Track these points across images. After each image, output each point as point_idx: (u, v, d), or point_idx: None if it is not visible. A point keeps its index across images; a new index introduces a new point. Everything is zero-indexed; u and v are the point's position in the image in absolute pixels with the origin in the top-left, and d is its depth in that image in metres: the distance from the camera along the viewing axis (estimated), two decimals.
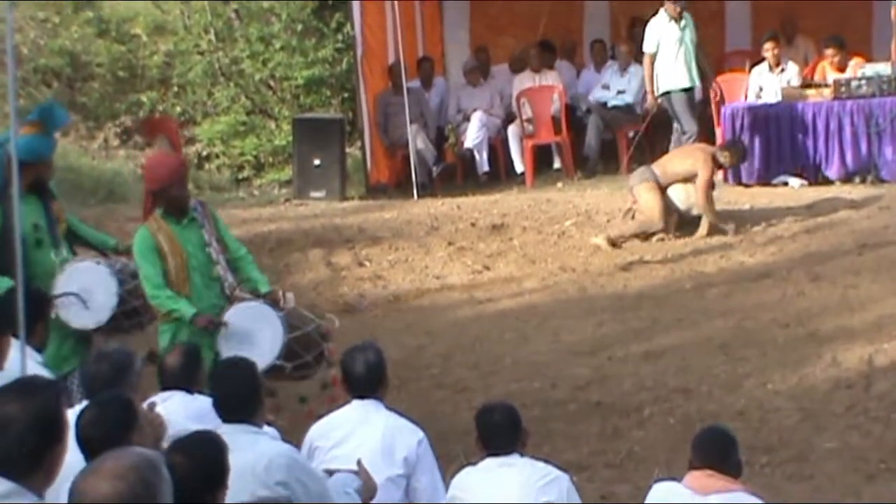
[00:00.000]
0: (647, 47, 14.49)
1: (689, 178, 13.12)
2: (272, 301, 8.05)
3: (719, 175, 14.79)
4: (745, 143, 14.16)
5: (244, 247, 8.49)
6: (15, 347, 5.94)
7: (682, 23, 14.28)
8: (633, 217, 13.37)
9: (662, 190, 13.11)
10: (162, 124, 8.61)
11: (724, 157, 13.36)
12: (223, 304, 8.01)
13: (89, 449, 4.71)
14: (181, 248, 7.96)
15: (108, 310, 7.99)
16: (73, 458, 4.21)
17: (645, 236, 13.17)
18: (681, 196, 13.18)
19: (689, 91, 14.52)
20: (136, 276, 8.11)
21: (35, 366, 6.02)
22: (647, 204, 13.13)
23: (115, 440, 4.68)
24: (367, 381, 6.48)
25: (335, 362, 7.76)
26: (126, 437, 4.87)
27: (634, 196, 13.26)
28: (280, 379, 8.11)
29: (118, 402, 5.10)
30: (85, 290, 7.93)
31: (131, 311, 8.12)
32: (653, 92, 14.58)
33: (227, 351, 7.66)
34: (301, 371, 8.06)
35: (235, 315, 7.90)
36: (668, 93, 14.45)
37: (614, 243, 13.04)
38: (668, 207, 13.14)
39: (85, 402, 5.68)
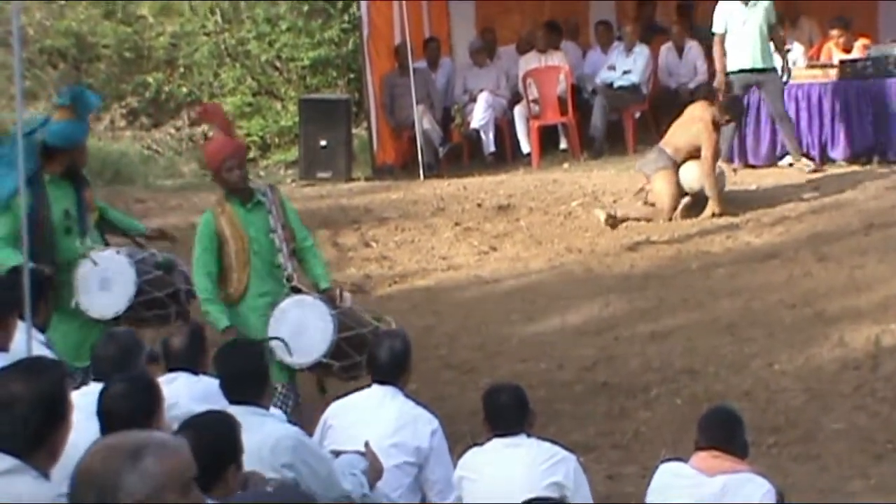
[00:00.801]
0: (716, 27, 14.35)
1: (698, 152, 13.09)
2: (329, 298, 7.96)
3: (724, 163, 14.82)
4: (741, 99, 14.11)
5: (312, 238, 8.38)
6: (20, 329, 5.97)
7: (751, 3, 14.14)
8: (645, 199, 13.35)
9: (678, 168, 13.09)
10: (208, 111, 8.59)
11: (723, 118, 13.32)
12: (284, 292, 7.90)
13: (110, 425, 4.75)
14: (243, 232, 7.86)
15: (125, 299, 7.93)
16: (85, 437, 4.22)
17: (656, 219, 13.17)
18: (695, 174, 13.10)
19: (747, 72, 14.19)
20: (162, 266, 8.10)
21: (39, 346, 6.05)
22: (661, 193, 13.11)
23: (139, 420, 4.73)
24: (389, 368, 6.52)
25: None
26: (150, 417, 4.93)
27: (650, 181, 13.24)
28: (328, 376, 8.03)
29: (144, 381, 5.17)
30: (104, 280, 7.90)
31: (152, 302, 8.06)
32: (722, 71, 14.35)
33: (276, 344, 7.62)
34: (350, 371, 7.91)
35: (289, 307, 7.80)
36: (729, 73, 14.32)
37: (613, 223, 13.03)
38: (680, 196, 13.13)
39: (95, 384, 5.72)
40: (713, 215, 13.08)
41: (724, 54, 14.25)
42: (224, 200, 7.97)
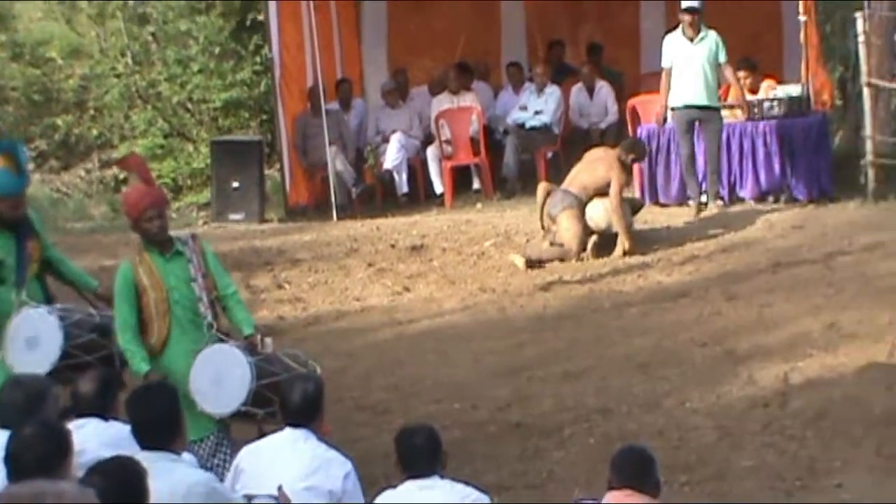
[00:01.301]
0: (663, 62, 14.44)
1: (605, 189, 13.23)
2: (251, 345, 7.86)
3: (636, 194, 14.96)
4: (643, 140, 14.28)
5: (234, 285, 8.26)
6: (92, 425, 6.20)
7: (697, 40, 14.23)
8: (552, 240, 13.45)
9: (583, 209, 13.21)
10: (128, 161, 8.44)
11: (628, 158, 13.47)
12: (206, 341, 7.79)
13: (18, 472, 4.71)
14: (162, 282, 7.75)
15: (48, 362, 7.75)
16: None
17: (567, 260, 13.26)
18: (600, 213, 13.27)
19: (689, 108, 14.28)
20: (98, 329, 7.97)
21: None
22: (568, 233, 13.22)
23: (48, 466, 4.69)
24: (302, 411, 6.50)
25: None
26: (59, 463, 4.88)
27: (556, 222, 13.33)
28: (253, 424, 7.83)
29: (53, 427, 5.12)
30: (32, 339, 7.78)
31: (80, 366, 7.77)
32: (664, 106, 14.49)
33: (197, 394, 7.54)
34: (276, 417, 7.60)
35: (208, 357, 7.70)
36: (674, 108, 14.42)
37: (531, 265, 13.12)
38: (587, 235, 13.25)
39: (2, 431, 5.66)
40: (624, 253, 13.19)
41: (667, 89, 14.38)
42: (142, 250, 7.87)
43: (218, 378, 7.63)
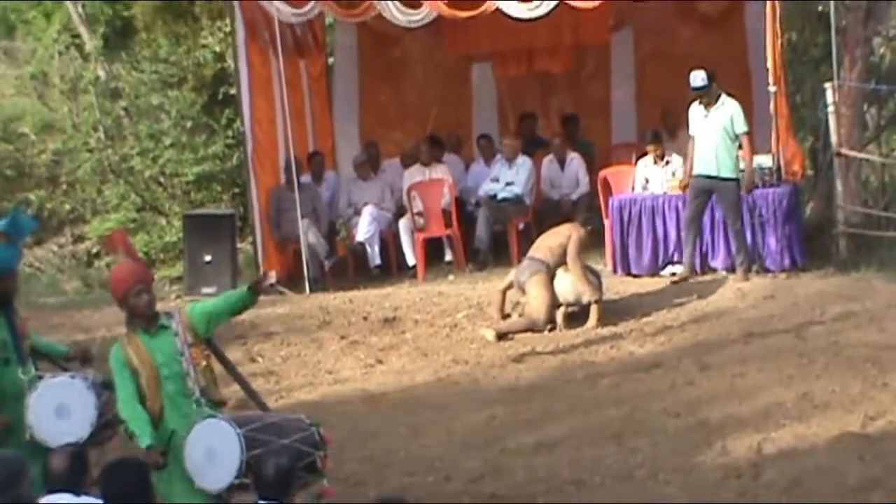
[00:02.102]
0: (689, 130, 14.54)
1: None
2: (257, 284, 7.89)
3: (608, 266, 15.02)
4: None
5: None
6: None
7: (711, 109, 14.31)
8: (521, 312, 13.49)
9: (552, 274, 13.27)
10: (113, 239, 8.33)
11: (582, 219, 13.66)
12: (197, 416, 7.68)
13: None
14: (150, 360, 7.67)
15: (88, 424, 7.69)
16: None
17: (537, 330, 13.28)
18: (567, 287, 13.33)
19: (703, 178, 14.34)
20: (108, 386, 7.87)
21: None
22: (536, 300, 13.25)
23: None
24: (275, 484, 6.49)
25: (327, 474, 7.69)
26: None
27: (525, 290, 13.37)
28: (245, 492, 7.60)
29: None
30: (61, 408, 7.66)
31: (106, 423, 7.84)
32: (687, 173, 14.59)
33: (192, 471, 7.46)
34: None
35: (196, 434, 7.58)
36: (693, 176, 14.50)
37: (502, 337, 13.15)
38: (556, 302, 13.29)
39: None
40: (598, 323, 13.22)
41: (691, 157, 14.49)
42: (129, 330, 7.80)
43: (210, 453, 7.53)
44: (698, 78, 14.21)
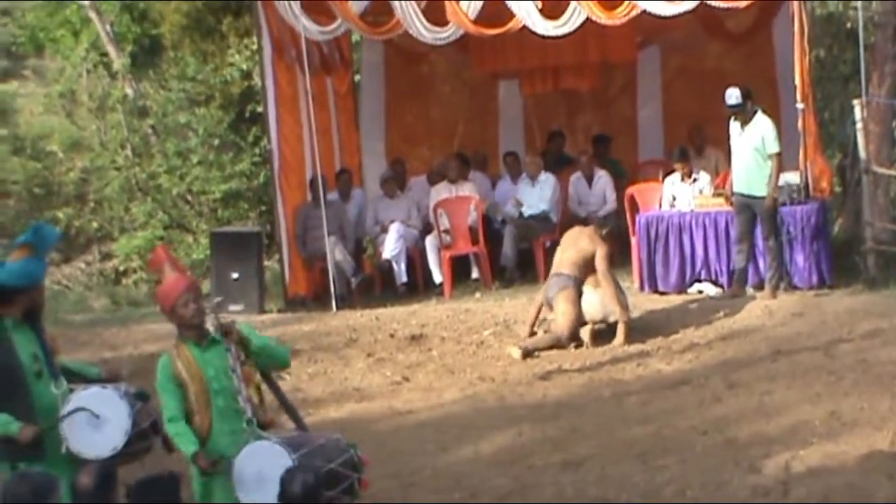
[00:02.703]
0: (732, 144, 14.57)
1: (592, 261, 13.30)
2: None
3: (636, 283, 14.99)
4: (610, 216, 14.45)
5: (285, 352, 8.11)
6: None
7: (745, 127, 14.29)
8: (547, 328, 13.47)
9: (579, 289, 13.24)
10: (156, 256, 8.22)
11: (602, 231, 13.62)
12: (242, 432, 7.61)
13: None
14: (201, 374, 7.58)
15: (123, 433, 7.54)
16: None
17: (561, 346, 13.26)
18: (595, 304, 13.29)
19: (741, 196, 14.38)
20: (140, 397, 7.79)
21: None
22: (562, 316, 13.23)
23: None
24: (301, 502, 6.44)
25: (360, 495, 7.62)
26: None
27: (553, 307, 13.35)
28: None
29: None
30: (95, 419, 7.52)
31: (141, 434, 7.71)
32: (730, 187, 14.68)
33: (241, 490, 7.37)
34: None
35: (250, 453, 7.48)
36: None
37: (528, 354, 13.13)
38: (581, 319, 13.26)
39: None
40: (625, 341, 13.19)
41: (731, 171, 14.58)
42: (179, 343, 7.72)
43: (261, 476, 7.42)
44: (733, 96, 14.19)
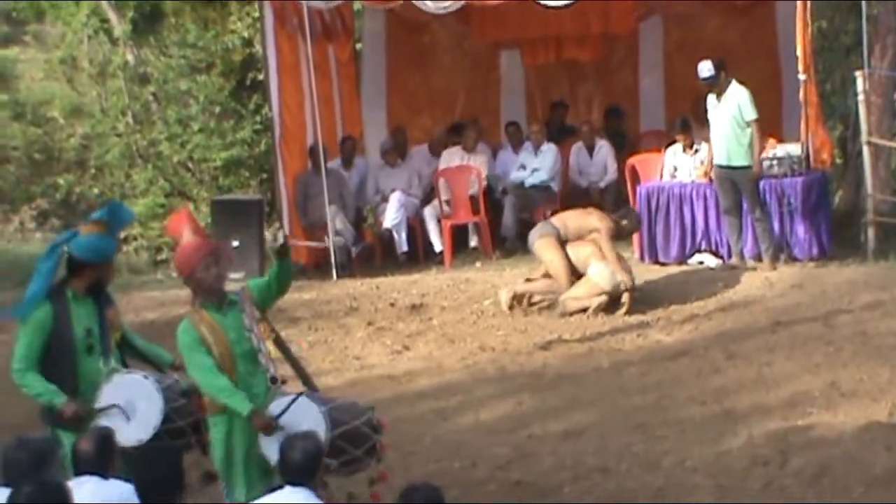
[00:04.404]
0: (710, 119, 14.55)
1: (584, 235, 13.30)
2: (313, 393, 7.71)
3: (636, 254, 15.01)
4: (639, 213, 14.38)
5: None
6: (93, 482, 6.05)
7: (722, 98, 14.27)
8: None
9: (563, 244, 13.27)
10: (178, 218, 8.06)
11: (621, 222, 13.61)
12: (270, 394, 7.61)
13: None
14: (224, 338, 7.53)
15: (151, 427, 7.48)
16: None
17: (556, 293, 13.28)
18: (605, 275, 13.27)
19: (723, 168, 14.38)
20: (186, 394, 7.69)
21: None
22: (552, 264, 13.27)
23: None
24: (302, 469, 6.47)
25: (385, 457, 7.69)
26: None
27: (537, 253, 13.40)
28: (326, 474, 7.54)
29: (53, 486, 5.10)
30: (129, 404, 7.51)
31: (177, 431, 7.63)
32: (708, 162, 14.70)
33: (268, 447, 7.35)
34: (350, 466, 7.67)
35: (278, 409, 7.49)
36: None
37: (518, 300, 13.18)
38: (572, 265, 13.28)
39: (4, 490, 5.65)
40: (627, 311, 13.21)
41: (710, 146, 14.55)
42: (199, 308, 7.64)
43: (291, 431, 7.42)
44: (704, 69, 14.20)
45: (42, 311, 7.56)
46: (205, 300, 7.62)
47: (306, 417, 7.41)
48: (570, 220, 13.54)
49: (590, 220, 13.48)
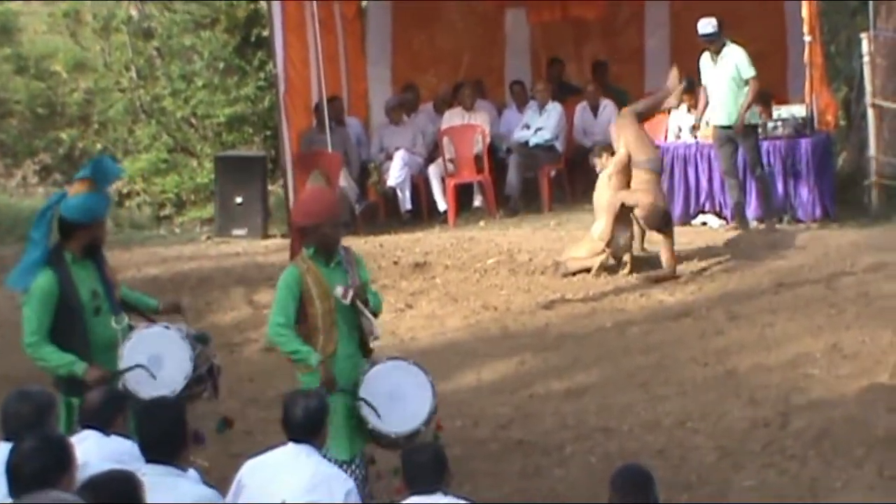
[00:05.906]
0: (702, 79, 14.44)
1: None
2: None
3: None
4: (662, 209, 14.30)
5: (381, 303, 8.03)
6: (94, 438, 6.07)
7: (719, 58, 14.19)
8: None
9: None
10: (321, 158, 7.80)
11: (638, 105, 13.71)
12: (359, 356, 7.64)
13: (19, 484, 4.71)
14: (329, 293, 7.52)
15: (182, 377, 7.39)
16: None
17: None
18: (606, 234, 13.26)
19: (722, 128, 14.29)
20: (200, 340, 7.62)
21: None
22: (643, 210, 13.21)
23: (49, 479, 4.69)
24: (305, 426, 6.47)
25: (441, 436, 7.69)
26: (61, 476, 4.87)
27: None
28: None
29: (55, 440, 5.10)
30: (154, 359, 7.37)
31: (199, 378, 7.55)
32: (695, 125, 14.61)
33: (368, 411, 7.44)
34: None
35: (380, 374, 7.53)
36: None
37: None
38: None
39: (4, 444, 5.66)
40: (630, 271, 13.22)
41: (703, 105, 14.43)
42: (307, 259, 7.64)
43: (395, 395, 7.47)
44: (708, 25, 14.10)
45: (45, 280, 7.36)
46: (317, 254, 7.62)
47: (413, 385, 7.54)
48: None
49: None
